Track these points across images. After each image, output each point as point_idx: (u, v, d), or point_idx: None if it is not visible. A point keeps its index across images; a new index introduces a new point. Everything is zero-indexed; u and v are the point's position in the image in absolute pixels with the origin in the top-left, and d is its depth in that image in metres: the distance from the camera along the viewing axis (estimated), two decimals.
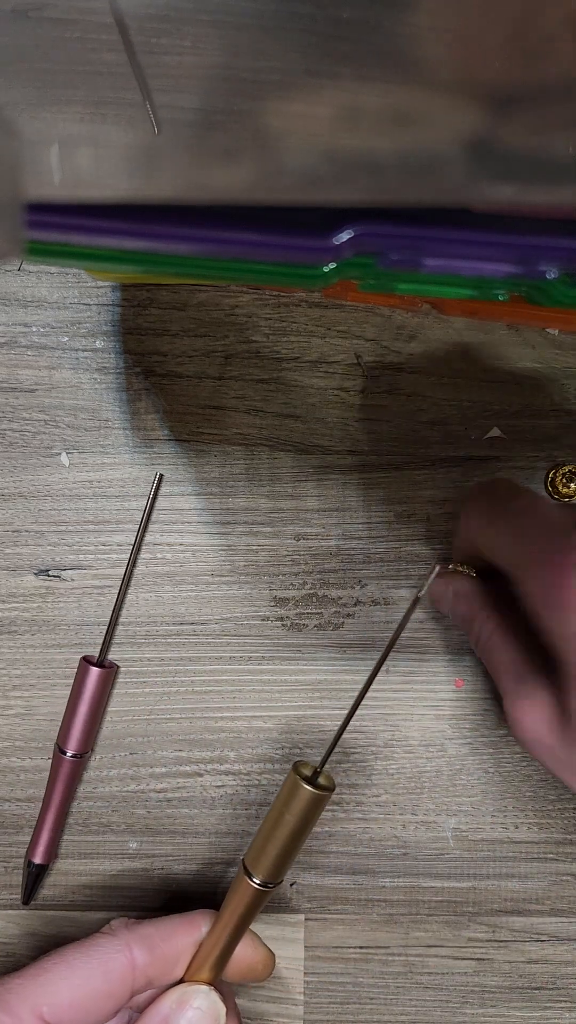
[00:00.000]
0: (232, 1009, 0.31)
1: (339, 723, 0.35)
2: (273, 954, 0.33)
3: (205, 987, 0.30)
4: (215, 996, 0.30)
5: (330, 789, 0.29)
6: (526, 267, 0.20)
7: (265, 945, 0.33)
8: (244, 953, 0.31)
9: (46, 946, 0.37)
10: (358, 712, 0.36)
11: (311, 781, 0.28)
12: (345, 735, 0.36)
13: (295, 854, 0.30)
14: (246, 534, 0.36)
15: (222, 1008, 0.30)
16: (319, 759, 0.29)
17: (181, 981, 0.31)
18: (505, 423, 0.36)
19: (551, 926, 0.37)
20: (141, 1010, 0.31)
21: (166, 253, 0.20)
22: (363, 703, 0.36)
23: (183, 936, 0.31)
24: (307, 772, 0.29)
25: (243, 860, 0.30)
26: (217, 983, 0.31)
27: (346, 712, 0.28)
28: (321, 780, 0.29)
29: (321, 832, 0.37)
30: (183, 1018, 0.30)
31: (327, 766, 0.29)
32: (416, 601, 0.26)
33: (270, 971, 0.33)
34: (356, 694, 0.29)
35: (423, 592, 0.26)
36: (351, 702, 0.36)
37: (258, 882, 0.30)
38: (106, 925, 0.32)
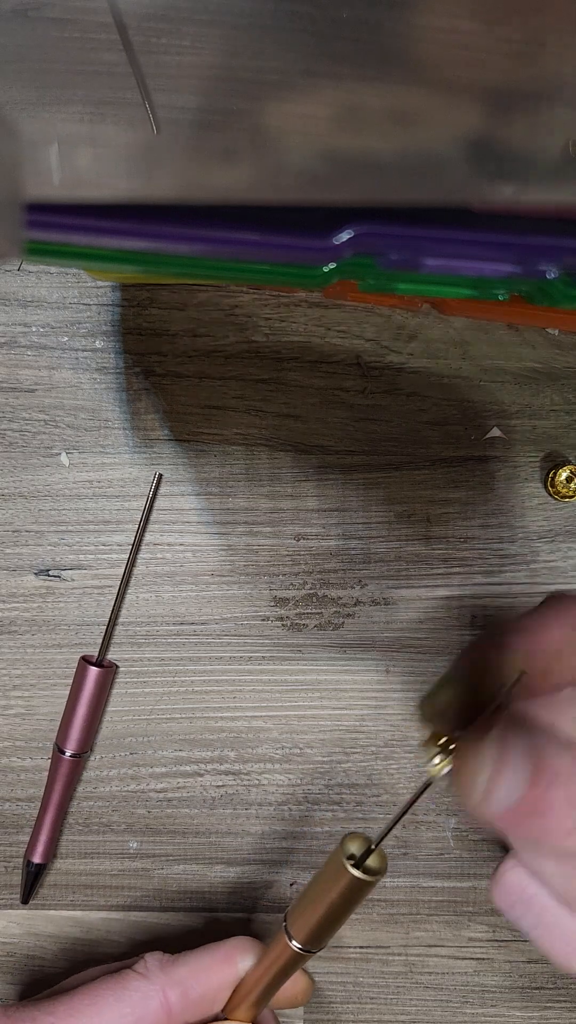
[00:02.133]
0: None
1: (352, 729, 0.35)
2: (313, 981, 0.32)
3: None
4: None
5: (379, 872, 0.26)
6: (526, 267, 0.20)
7: (306, 972, 0.32)
8: (285, 984, 0.30)
9: (46, 946, 0.37)
10: (358, 712, 0.36)
11: (360, 861, 0.25)
12: (345, 735, 0.37)
13: (337, 928, 0.28)
14: (246, 534, 0.36)
15: None
16: (373, 833, 0.26)
17: (221, 1017, 0.30)
18: (505, 423, 0.36)
19: None
20: None
21: (166, 253, 0.20)
22: (363, 703, 0.36)
23: (218, 975, 0.30)
24: (354, 850, 0.26)
25: (285, 916, 0.29)
26: (259, 1020, 0.30)
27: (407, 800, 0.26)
28: (372, 862, 0.26)
29: (321, 832, 0.37)
30: None
31: (384, 843, 0.26)
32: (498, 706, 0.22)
33: (309, 997, 0.32)
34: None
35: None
36: (351, 702, 0.36)
37: (298, 947, 0.28)
38: (140, 962, 0.31)
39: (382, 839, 0.26)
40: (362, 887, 0.26)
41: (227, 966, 0.30)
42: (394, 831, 0.35)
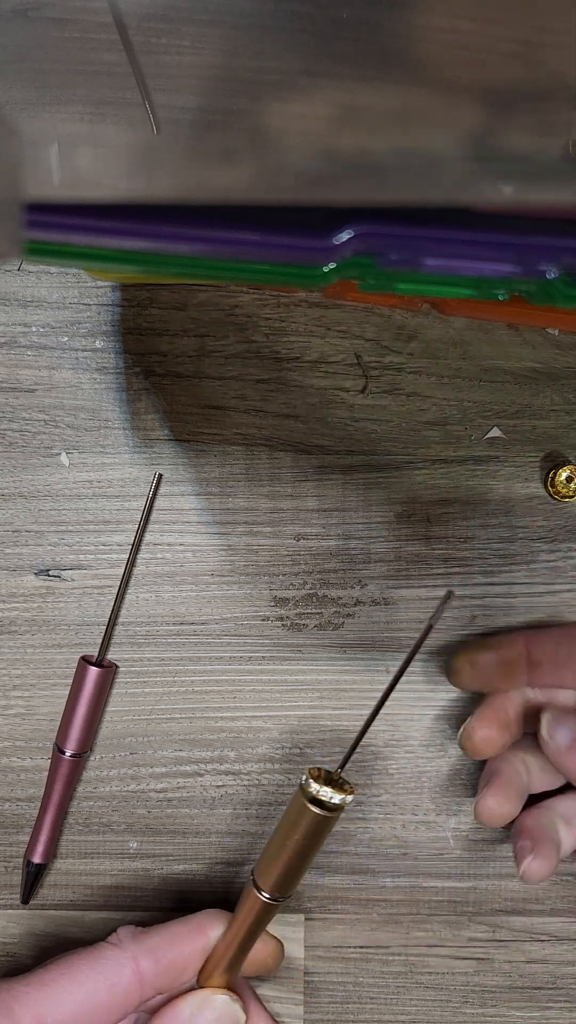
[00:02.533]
0: (253, 1002, 0.31)
1: (352, 729, 0.35)
2: (281, 944, 0.33)
3: (224, 995, 0.30)
4: (236, 1005, 0.30)
5: (339, 808, 0.27)
6: (526, 267, 0.20)
7: (273, 936, 0.32)
8: (254, 948, 0.31)
9: (47, 946, 0.37)
10: (358, 712, 0.36)
11: (328, 785, 0.27)
12: (345, 735, 0.36)
13: (304, 870, 0.29)
14: (246, 534, 0.36)
15: (242, 1016, 0.30)
16: (333, 765, 0.28)
17: (195, 987, 0.31)
18: (505, 423, 0.36)
19: (551, 926, 0.37)
20: (152, 1011, 0.31)
21: (166, 253, 0.20)
22: (364, 703, 0.36)
23: (190, 943, 0.31)
24: (315, 787, 0.27)
25: (252, 871, 0.30)
26: (233, 984, 0.31)
27: (363, 720, 0.28)
28: (333, 794, 0.27)
29: None
30: (203, 1022, 0.30)
31: (345, 771, 0.28)
32: (429, 628, 0.26)
33: (280, 962, 0.33)
34: (374, 702, 0.28)
35: (435, 619, 0.26)
36: (351, 702, 0.36)
37: (267, 896, 0.29)
38: (112, 934, 0.31)
39: (343, 765, 0.28)
40: (326, 823, 0.28)
41: (198, 935, 0.31)
42: (395, 832, 0.35)
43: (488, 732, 0.33)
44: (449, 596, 0.25)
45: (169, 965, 0.30)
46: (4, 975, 0.37)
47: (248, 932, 0.30)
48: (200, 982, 0.31)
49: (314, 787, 0.27)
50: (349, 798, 0.27)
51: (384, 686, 0.28)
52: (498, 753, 0.33)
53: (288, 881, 0.29)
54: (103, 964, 0.30)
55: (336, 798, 0.27)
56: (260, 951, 0.32)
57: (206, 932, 0.31)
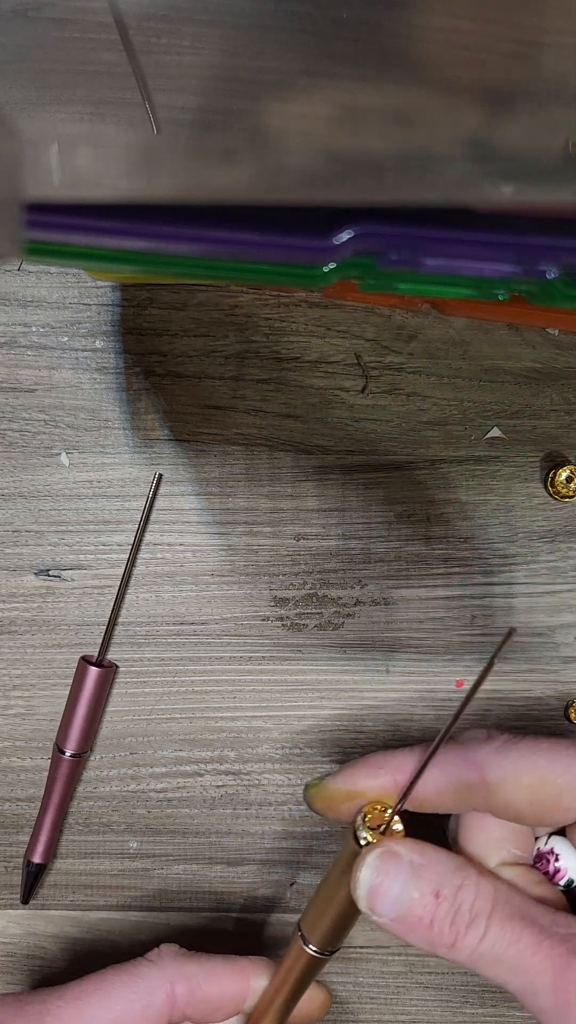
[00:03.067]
0: None
1: (351, 729, 0.35)
2: (330, 994, 0.32)
3: None
4: None
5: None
6: (526, 267, 0.20)
7: (323, 986, 0.32)
8: (303, 998, 0.30)
9: (47, 946, 0.37)
10: (358, 712, 0.36)
11: (378, 829, 0.25)
12: (345, 735, 0.36)
13: (354, 921, 0.27)
14: (246, 534, 0.36)
15: None
16: (387, 811, 0.26)
17: None
18: (505, 423, 0.36)
19: None
20: None
21: (166, 253, 0.20)
22: (364, 703, 0.36)
23: (229, 984, 0.30)
24: (368, 830, 0.25)
25: (299, 922, 0.28)
26: None
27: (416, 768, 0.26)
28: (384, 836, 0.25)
29: (321, 832, 0.37)
30: None
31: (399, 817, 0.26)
32: (490, 667, 0.22)
33: (326, 1011, 0.32)
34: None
35: (496, 657, 0.22)
36: (351, 702, 0.36)
37: (314, 950, 0.28)
38: (154, 950, 0.31)
39: (397, 810, 0.25)
40: None
41: (239, 978, 0.30)
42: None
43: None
44: (511, 634, 0.23)
45: (204, 998, 0.29)
46: (4, 975, 0.37)
47: (295, 985, 0.29)
48: None
49: (363, 836, 0.25)
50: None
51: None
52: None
53: (337, 934, 0.27)
54: (138, 983, 0.29)
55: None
56: (307, 1002, 0.31)
57: (248, 978, 0.30)
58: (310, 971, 0.29)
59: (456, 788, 0.27)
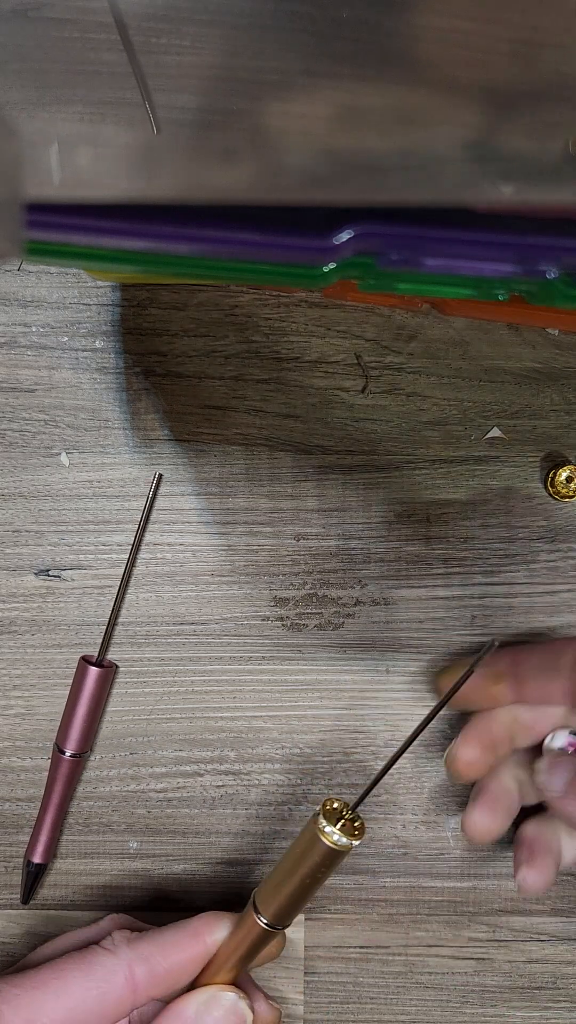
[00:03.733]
0: (260, 999, 0.31)
1: (351, 729, 0.35)
2: (284, 935, 0.32)
3: (231, 992, 0.30)
4: (243, 1003, 0.30)
5: (350, 842, 0.27)
6: (526, 267, 0.20)
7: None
8: None
9: None
10: (358, 712, 0.36)
11: (340, 821, 0.27)
12: (345, 735, 0.36)
13: (306, 901, 0.29)
14: (246, 534, 0.36)
15: (249, 1014, 0.30)
16: (350, 798, 0.28)
17: (193, 986, 0.30)
18: (505, 423, 0.36)
19: (551, 926, 0.37)
20: (147, 1019, 0.30)
21: (166, 253, 0.20)
22: (364, 703, 0.36)
23: (186, 950, 0.30)
24: (325, 824, 0.27)
25: (254, 894, 0.29)
26: (238, 982, 0.30)
27: (387, 757, 0.28)
28: (341, 836, 0.27)
29: None
30: (210, 1020, 0.29)
31: (360, 809, 0.28)
32: (469, 672, 0.26)
33: (282, 948, 0.32)
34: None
35: (475, 666, 0.25)
36: (351, 702, 0.36)
37: (265, 922, 0.29)
38: (107, 938, 0.31)
39: (359, 803, 0.27)
40: (335, 857, 0.27)
41: (195, 941, 0.30)
42: (395, 832, 0.35)
43: (473, 754, 0.32)
44: (492, 645, 0.25)
45: (165, 973, 0.30)
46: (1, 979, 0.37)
47: (245, 953, 0.30)
48: (201, 982, 0.31)
49: (323, 825, 0.27)
50: (356, 842, 0.27)
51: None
52: (484, 775, 0.33)
53: (288, 912, 0.29)
54: (96, 970, 0.29)
55: (343, 840, 0.27)
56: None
57: (203, 938, 0.30)
58: (261, 942, 0.29)
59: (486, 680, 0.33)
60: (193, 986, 0.31)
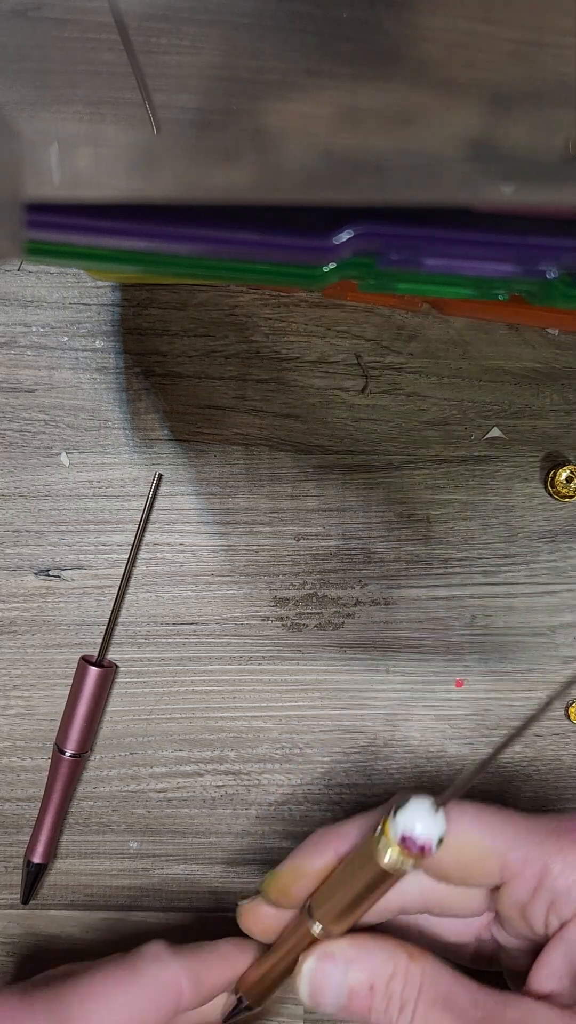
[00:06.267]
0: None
1: (351, 730, 0.35)
2: None
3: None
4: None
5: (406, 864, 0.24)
6: (526, 267, 0.20)
7: None
8: None
9: (47, 946, 0.37)
10: (358, 712, 0.36)
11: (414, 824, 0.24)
12: (345, 735, 0.37)
13: (362, 912, 0.27)
14: (246, 534, 0.36)
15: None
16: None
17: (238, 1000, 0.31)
18: (505, 423, 0.36)
19: None
20: None
21: (166, 253, 0.20)
22: (364, 703, 0.36)
23: (223, 972, 0.31)
24: (386, 848, 0.24)
25: (309, 904, 0.28)
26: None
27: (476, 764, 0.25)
28: (404, 861, 0.24)
29: None
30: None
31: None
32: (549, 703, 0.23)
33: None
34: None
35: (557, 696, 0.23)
36: (351, 702, 0.36)
37: (320, 930, 0.27)
38: (150, 948, 0.31)
39: (445, 803, 0.24)
40: (394, 879, 0.25)
41: (229, 965, 0.31)
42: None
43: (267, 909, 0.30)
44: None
45: (206, 990, 0.30)
46: (4, 975, 0.37)
47: (294, 962, 0.28)
48: (242, 988, 0.31)
49: (384, 848, 0.25)
50: (415, 864, 0.25)
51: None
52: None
53: (344, 917, 0.27)
54: (149, 982, 0.30)
55: (407, 866, 0.24)
56: None
57: (234, 965, 0.31)
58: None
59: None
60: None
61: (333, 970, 0.27)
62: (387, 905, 0.27)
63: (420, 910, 0.29)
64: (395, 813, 0.24)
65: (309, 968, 0.27)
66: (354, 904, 0.26)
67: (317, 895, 0.28)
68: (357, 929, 0.28)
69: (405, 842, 0.24)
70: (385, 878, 0.25)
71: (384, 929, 0.29)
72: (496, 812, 0.27)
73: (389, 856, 0.24)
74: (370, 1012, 0.26)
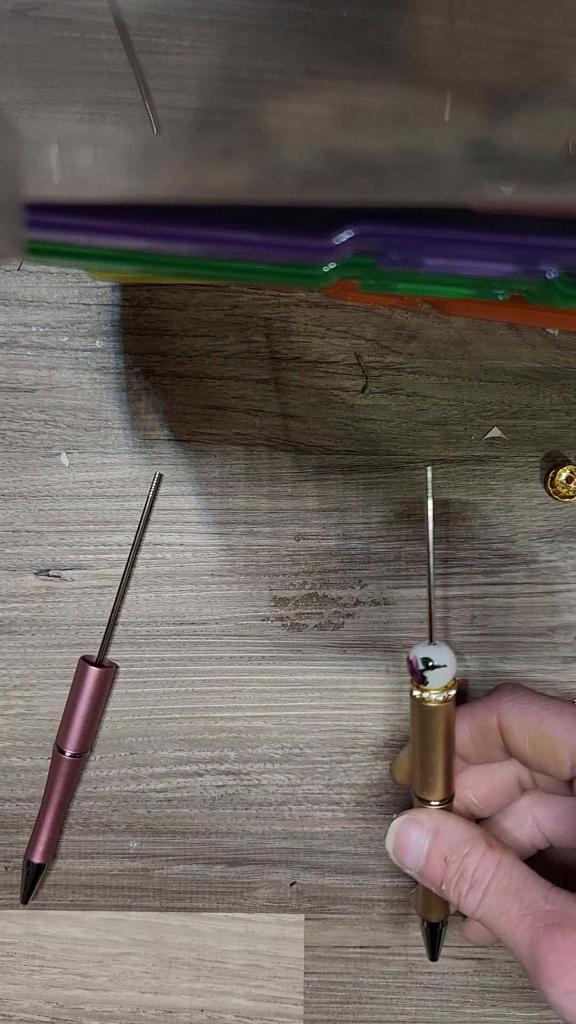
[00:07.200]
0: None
1: (351, 730, 0.35)
2: None
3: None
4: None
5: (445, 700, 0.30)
6: (526, 267, 0.20)
7: None
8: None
9: (46, 946, 0.37)
10: (358, 712, 0.36)
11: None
12: (345, 735, 0.36)
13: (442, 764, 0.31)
14: (246, 534, 0.36)
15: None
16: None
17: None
18: (505, 423, 0.36)
19: None
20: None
21: (166, 253, 0.20)
22: (364, 703, 0.36)
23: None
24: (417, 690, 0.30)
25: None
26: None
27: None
28: (433, 693, 0.30)
29: (321, 832, 0.37)
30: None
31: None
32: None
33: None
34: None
35: None
36: (351, 702, 0.36)
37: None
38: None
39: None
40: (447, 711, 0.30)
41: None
42: None
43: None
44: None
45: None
46: (4, 975, 0.37)
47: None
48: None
49: (411, 691, 0.30)
50: (451, 693, 0.30)
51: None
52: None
53: (429, 783, 0.31)
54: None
55: (436, 696, 0.30)
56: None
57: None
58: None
59: (480, 729, 0.31)
60: None
61: (416, 834, 0.30)
62: (486, 790, 0.32)
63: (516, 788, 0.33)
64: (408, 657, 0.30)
65: (395, 827, 0.31)
66: (423, 759, 0.31)
67: (410, 769, 0.32)
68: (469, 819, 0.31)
69: (414, 675, 0.30)
70: (420, 712, 0.30)
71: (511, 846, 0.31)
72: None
73: (412, 692, 0.30)
74: (442, 882, 0.29)
